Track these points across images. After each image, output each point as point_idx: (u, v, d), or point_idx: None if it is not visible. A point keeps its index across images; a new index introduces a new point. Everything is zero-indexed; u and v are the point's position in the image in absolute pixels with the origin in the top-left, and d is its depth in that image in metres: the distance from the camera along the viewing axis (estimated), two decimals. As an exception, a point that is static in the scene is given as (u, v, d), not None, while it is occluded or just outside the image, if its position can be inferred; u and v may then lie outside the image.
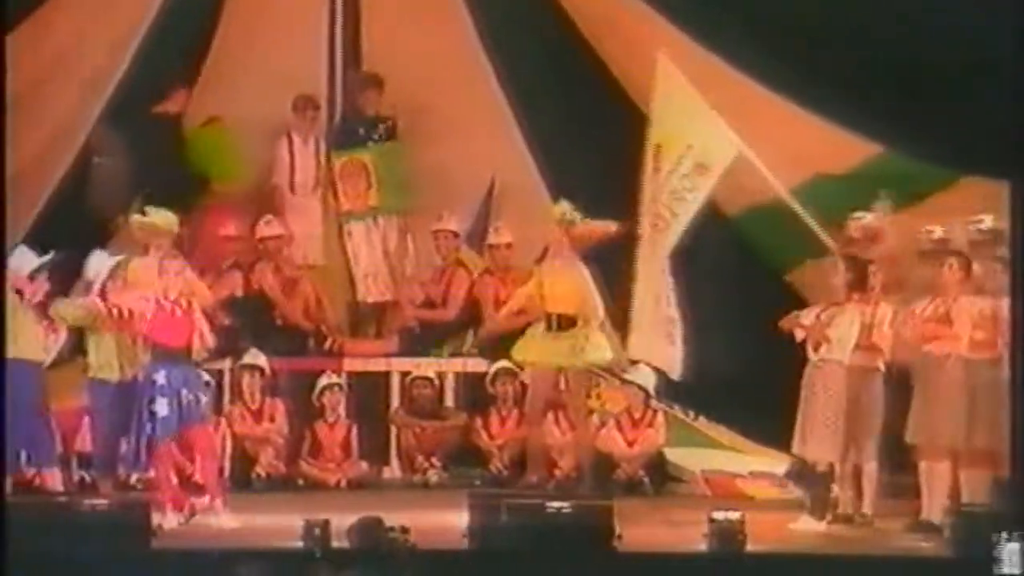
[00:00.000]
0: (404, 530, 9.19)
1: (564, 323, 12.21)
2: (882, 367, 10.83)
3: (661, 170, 11.66)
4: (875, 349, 10.80)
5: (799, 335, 10.87)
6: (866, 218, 11.33)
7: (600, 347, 12.28)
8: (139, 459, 10.70)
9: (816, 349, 10.78)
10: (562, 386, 12.56)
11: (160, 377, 10.63)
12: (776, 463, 12.09)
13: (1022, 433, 9.24)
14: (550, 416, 12.61)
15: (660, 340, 11.60)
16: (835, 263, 11.02)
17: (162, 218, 11.28)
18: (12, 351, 10.66)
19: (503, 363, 12.81)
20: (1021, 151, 9.27)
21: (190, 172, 13.45)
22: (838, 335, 10.72)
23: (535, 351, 12.39)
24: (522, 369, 12.64)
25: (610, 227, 12.20)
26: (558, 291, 12.19)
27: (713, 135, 11.41)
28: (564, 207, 12.28)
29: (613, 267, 12.46)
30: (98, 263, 11.26)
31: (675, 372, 11.75)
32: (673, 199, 11.53)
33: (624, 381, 12.90)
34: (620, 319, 12.40)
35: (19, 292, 10.95)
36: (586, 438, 12.42)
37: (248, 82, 13.61)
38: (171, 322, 10.74)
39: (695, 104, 11.42)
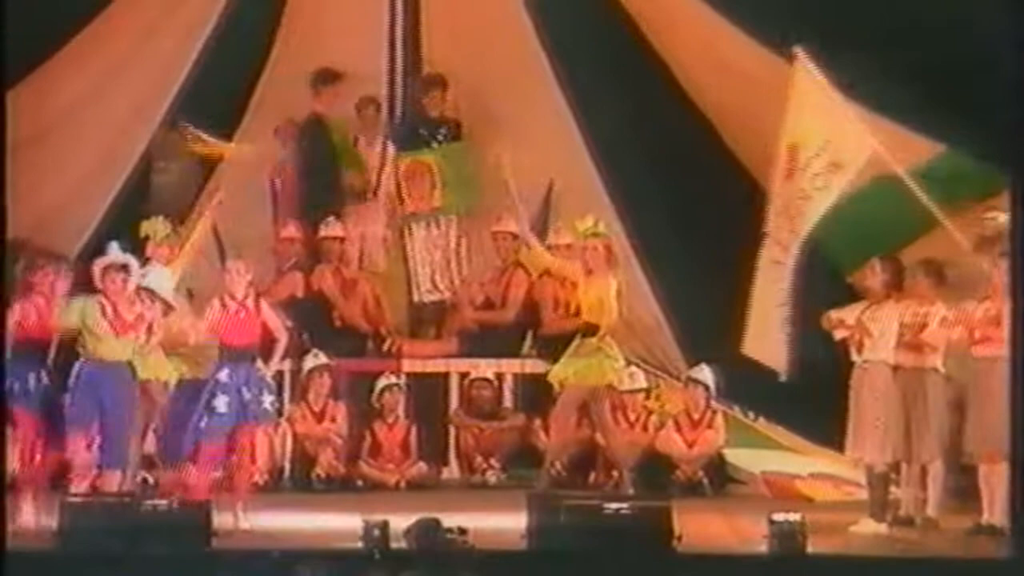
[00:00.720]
0: (462, 531, 9.19)
1: (589, 332, 12.15)
2: (940, 367, 10.77)
3: (795, 169, 11.56)
4: (927, 348, 10.73)
5: (840, 334, 10.84)
6: (1000, 218, 11.22)
7: (613, 358, 12.19)
8: (186, 453, 10.79)
9: (859, 350, 10.74)
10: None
11: (223, 375, 10.69)
12: (836, 465, 12.03)
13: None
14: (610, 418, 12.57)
15: (774, 339, 11.47)
16: (872, 263, 10.95)
17: (162, 226, 11.31)
18: (87, 353, 10.74)
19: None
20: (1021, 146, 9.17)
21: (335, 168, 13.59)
22: (878, 333, 10.67)
23: (566, 367, 12.29)
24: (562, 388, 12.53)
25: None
26: (589, 301, 12.14)
27: (849, 133, 11.27)
28: (588, 221, 12.23)
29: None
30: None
31: (784, 372, 11.62)
32: (799, 198, 11.45)
33: (687, 381, 12.88)
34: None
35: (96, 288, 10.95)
36: (618, 443, 12.34)
37: (308, 87, 13.66)
38: (236, 322, 10.79)
39: (832, 102, 11.29)
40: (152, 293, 10.83)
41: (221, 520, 9.96)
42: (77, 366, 10.67)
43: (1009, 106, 9.20)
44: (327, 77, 13.54)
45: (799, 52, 11.39)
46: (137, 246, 11.23)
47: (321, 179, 13.59)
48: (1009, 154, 9.38)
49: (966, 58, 11.27)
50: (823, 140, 11.28)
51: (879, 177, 11.92)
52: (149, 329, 10.78)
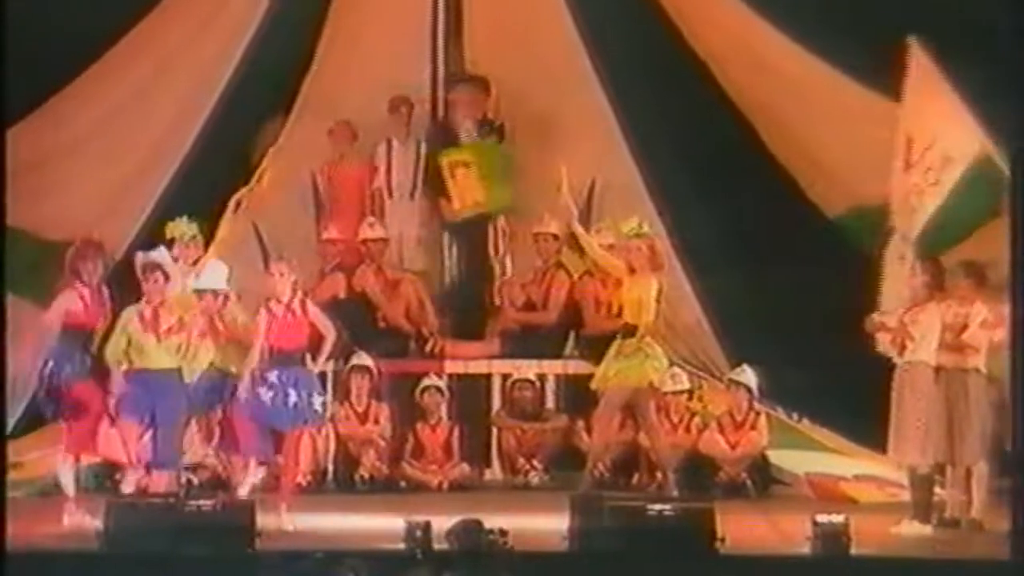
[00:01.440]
0: (503, 532, 9.19)
1: (628, 333, 12.12)
2: (982, 368, 10.72)
3: (911, 162, 11.49)
4: (968, 350, 10.68)
5: (883, 338, 10.79)
6: None
7: (655, 358, 12.15)
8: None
9: (901, 352, 10.69)
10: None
11: (272, 376, 10.74)
12: (880, 466, 11.98)
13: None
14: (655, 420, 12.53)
15: None
16: (912, 265, 10.89)
17: (187, 227, 11.34)
18: (137, 362, 10.81)
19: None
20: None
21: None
22: (920, 335, 10.63)
23: (608, 368, 12.23)
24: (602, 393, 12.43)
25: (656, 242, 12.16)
26: (630, 301, 12.11)
27: (961, 127, 11.19)
28: (633, 222, 12.22)
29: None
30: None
31: None
32: (914, 192, 11.40)
33: (729, 383, 12.85)
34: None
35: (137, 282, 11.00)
36: (662, 445, 12.30)
37: (352, 88, 13.69)
38: (284, 325, 10.82)
39: (944, 94, 11.23)
40: (211, 292, 10.86)
41: (265, 521, 10.00)
42: (123, 374, 10.74)
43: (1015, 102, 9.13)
44: (478, 84, 13.60)
45: (913, 42, 11.33)
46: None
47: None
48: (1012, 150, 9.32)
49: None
50: (934, 135, 11.21)
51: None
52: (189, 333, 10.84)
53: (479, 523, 9.23)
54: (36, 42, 12.25)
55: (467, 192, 13.60)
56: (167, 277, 10.84)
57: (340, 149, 13.63)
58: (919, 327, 10.70)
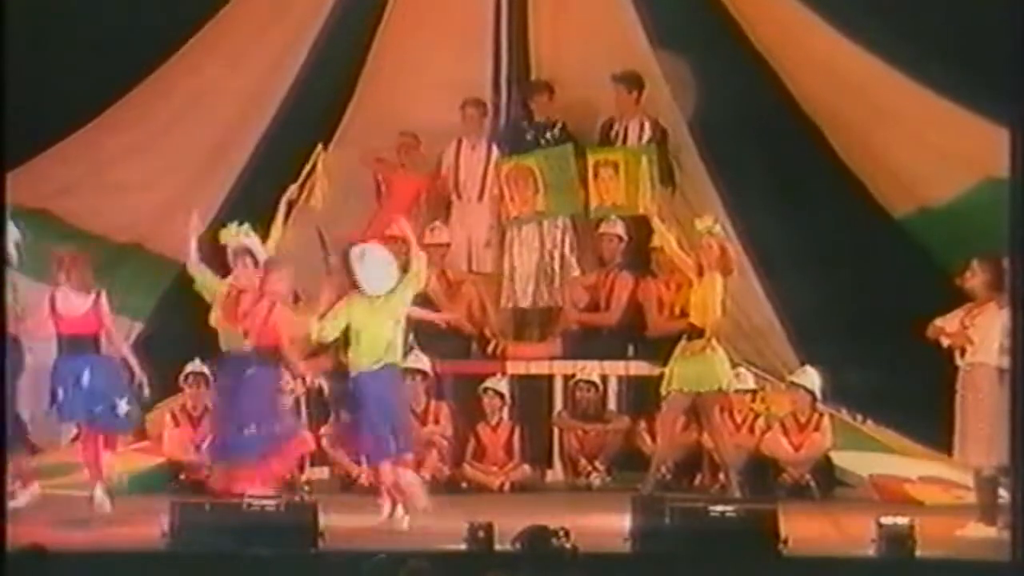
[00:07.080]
0: (565, 533, 9.16)
1: (695, 334, 12.07)
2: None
3: None
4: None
5: (944, 342, 10.70)
6: None
7: (721, 361, 12.09)
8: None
9: (963, 354, 10.60)
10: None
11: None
12: (946, 468, 11.91)
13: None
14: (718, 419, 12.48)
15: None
16: (972, 265, 10.78)
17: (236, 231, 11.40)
18: None
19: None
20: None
21: None
22: (979, 337, 10.53)
23: (675, 370, 12.17)
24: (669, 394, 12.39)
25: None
26: (696, 301, 12.07)
27: None
28: (708, 220, 12.18)
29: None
30: None
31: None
32: None
33: (790, 384, 12.79)
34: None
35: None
36: (726, 446, 12.24)
37: (412, 88, 13.70)
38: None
39: None
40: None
41: (327, 520, 10.02)
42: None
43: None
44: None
45: None
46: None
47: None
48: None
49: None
50: None
51: (984, 180, 11.81)
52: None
53: (543, 525, 9.22)
54: (95, 50, 12.39)
55: (607, 193, 13.53)
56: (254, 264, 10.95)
57: (402, 159, 13.60)
58: (978, 329, 10.58)
